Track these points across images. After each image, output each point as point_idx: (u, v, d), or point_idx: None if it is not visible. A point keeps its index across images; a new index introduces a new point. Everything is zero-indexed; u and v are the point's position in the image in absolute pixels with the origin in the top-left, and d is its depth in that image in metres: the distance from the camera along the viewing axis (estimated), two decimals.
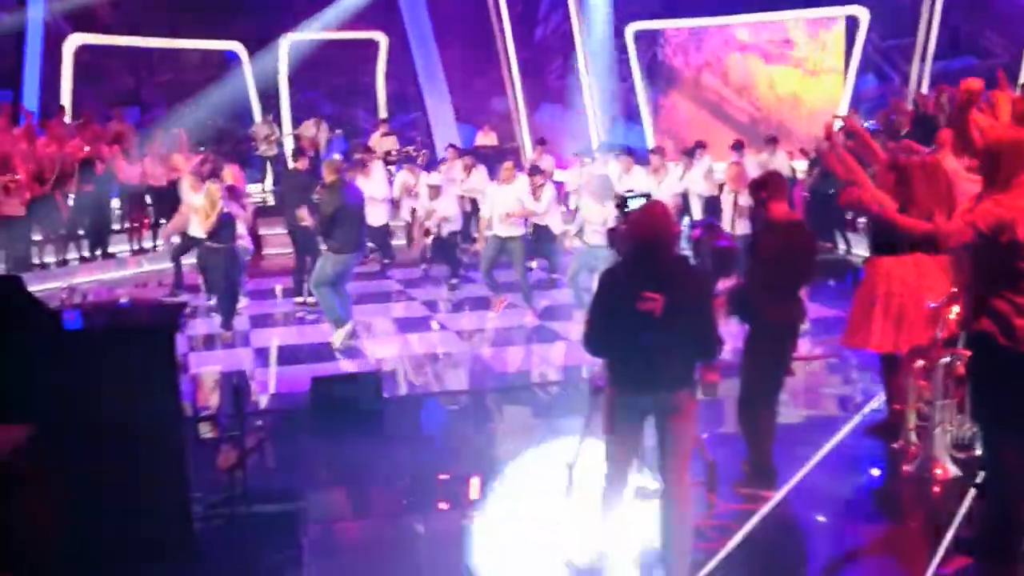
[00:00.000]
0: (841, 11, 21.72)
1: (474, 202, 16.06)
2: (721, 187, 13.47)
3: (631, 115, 24.51)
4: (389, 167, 18.43)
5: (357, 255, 11.32)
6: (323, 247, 11.27)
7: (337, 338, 11.07)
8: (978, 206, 5.06)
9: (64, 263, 15.88)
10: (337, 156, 12.55)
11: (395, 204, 16.23)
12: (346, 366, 10.37)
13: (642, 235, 5.20)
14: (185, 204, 13.33)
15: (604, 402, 5.45)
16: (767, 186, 6.61)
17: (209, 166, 14.57)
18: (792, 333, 6.58)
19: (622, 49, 24.26)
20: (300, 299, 13.24)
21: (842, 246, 16.12)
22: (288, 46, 23.02)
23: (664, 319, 5.03)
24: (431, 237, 14.43)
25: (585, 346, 5.38)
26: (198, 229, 12.00)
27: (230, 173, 13.31)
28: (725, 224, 12.21)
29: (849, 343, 7.52)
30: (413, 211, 15.70)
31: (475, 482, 7.37)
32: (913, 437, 6.85)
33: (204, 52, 22.64)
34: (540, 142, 18.69)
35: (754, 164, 16.13)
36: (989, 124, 6.76)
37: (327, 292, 10.99)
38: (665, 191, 13.53)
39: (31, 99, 19.45)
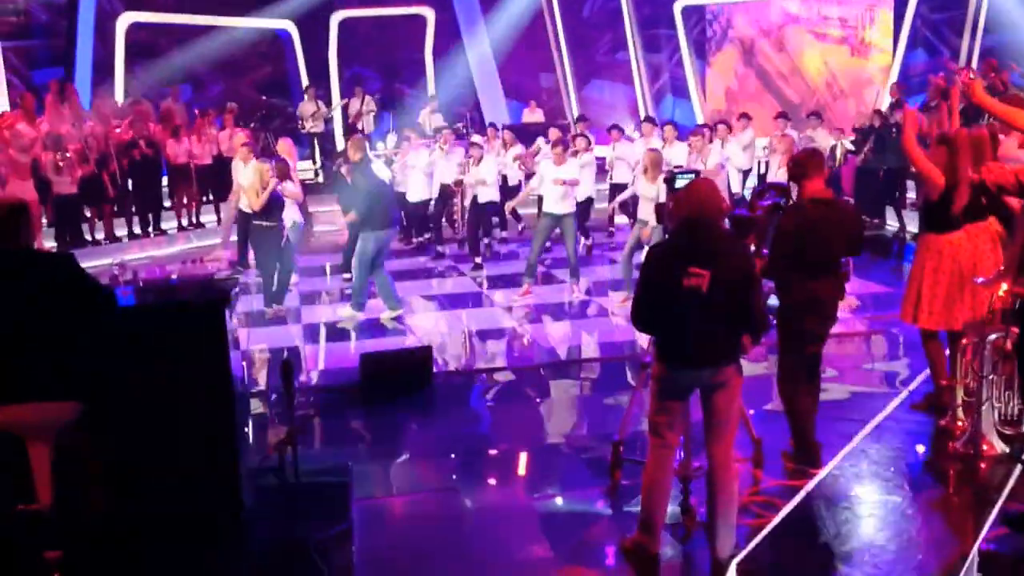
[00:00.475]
0: None
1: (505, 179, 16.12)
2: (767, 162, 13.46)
3: (679, 91, 24.40)
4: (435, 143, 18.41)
5: (393, 230, 11.54)
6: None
7: (343, 316, 11.36)
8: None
9: (115, 240, 16.12)
10: (358, 139, 12.54)
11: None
12: (395, 342, 10.46)
13: (688, 212, 5.24)
14: (236, 180, 13.43)
15: (651, 377, 5.49)
16: (802, 164, 6.61)
17: (258, 144, 14.71)
18: (816, 310, 6.57)
19: (671, 25, 24.13)
20: (349, 275, 13.34)
21: (894, 223, 15.97)
22: (337, 23, 23.10)
23: (710, 295, 5.07)
24: (466, 199, 14.48)
25: (633, 321, 5.43)
26: (247, 206, 12.12)
27: (284, 146, 13.45)
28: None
29: (904, 319, 7.49)
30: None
31: (523, 458, 7.45)
32: (960, 413, 6.83)
33: (255, 30, 22.74)
34: (581, 119, 18.62)
35: (795, 139, 16.08)
36: None
37: (365, 273, 11.19)
38: (709, 166, 13.45)
39: (83, 78, 19.62)
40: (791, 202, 6.75)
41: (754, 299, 5.21)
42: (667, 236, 5.70)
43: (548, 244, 13.00)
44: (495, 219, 15.75)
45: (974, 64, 19.32)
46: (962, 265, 6.99)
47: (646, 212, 11.25)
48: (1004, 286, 6.19)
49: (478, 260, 14.25)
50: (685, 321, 5.17)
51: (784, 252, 6.44)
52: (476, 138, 16.11)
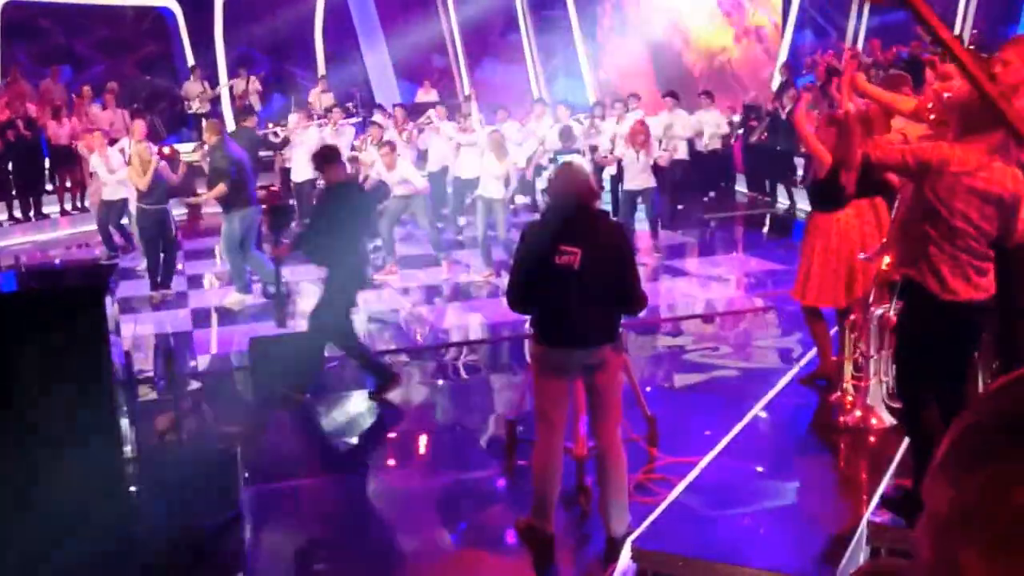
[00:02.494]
0: None
1: None
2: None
3: (571, 72, 24.43)
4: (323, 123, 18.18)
5: (256, 208, 11.41)
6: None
7: (231, 300, 11.16)
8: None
9: None
10: (214, 121, 12.32)
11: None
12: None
13: (559, 191, 5.30)
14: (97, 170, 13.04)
15: (530, 357, 5.48)
16: None
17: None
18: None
19: (563, 6, 24.13)
20: None
21: (785, 200, 16.23)
22: (222, 2, 22.60)
23: (582, 273, 5.07)
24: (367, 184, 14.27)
25: (508, 301, 5.42)
26: (120, 191, 11.86)
27: (138, 128, 12.96)
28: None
29: (795, 296, 7.57)
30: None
31: (418, 440, 7.37)
32: (850, 388, 6.92)
33: (137, 8, 22.16)
34: (468, 98, 18.49)
35: (686, 119, 16.23)
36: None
37: (236, 254, 11.08)
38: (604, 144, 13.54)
39: None
40: None
41: (628, 277, 5.21)
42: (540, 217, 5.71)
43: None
44: None
45: (860, 44, 19.70)
46: (850, 243, 7.09)
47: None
48: (887, 259, 6.27)
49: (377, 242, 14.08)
50: (558, 300, 5.17)
51: None
52: (377, 117, 15.81)
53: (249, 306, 11.04)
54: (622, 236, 5.31)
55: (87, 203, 16.47)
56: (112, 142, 13.46)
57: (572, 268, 5.07)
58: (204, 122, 11.61)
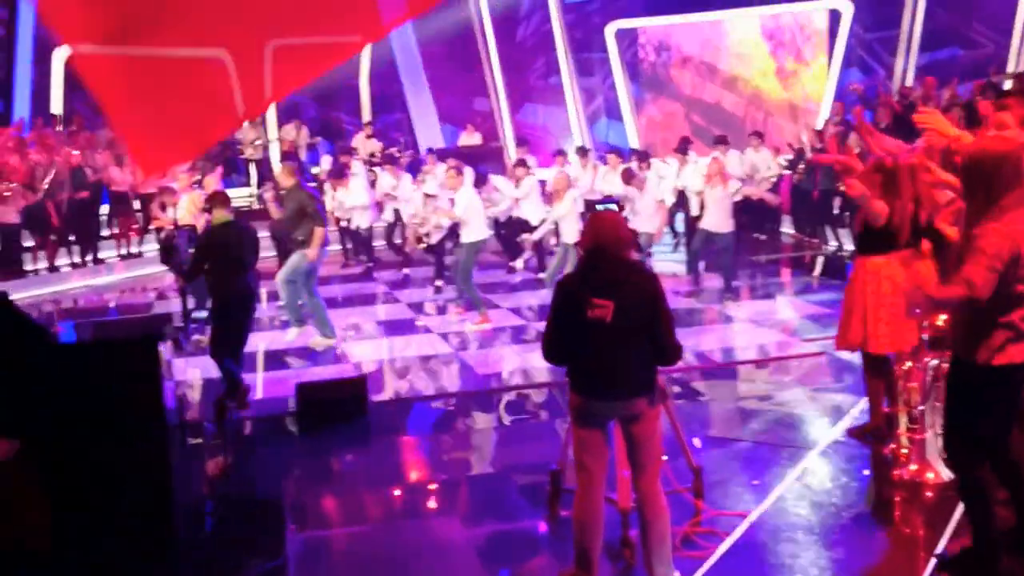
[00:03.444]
0: (823, 4, 21.63)
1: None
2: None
3: (613, 113, 24.47)
4: (373, 169, 18.38)
5: (324, 250, 11.48)
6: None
7: (314, 343, 11.22)
8: (969, 261, 4.84)
9: (55, 269, 15.93)
10: (290, 164, 12.42)
11: (378, 206, 16.17)
12: (332, 370, 10.29)
13: (591, 242, 5.22)
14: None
15: (568, 409, 5.42)
16: None
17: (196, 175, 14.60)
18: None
19: (603, 48, 24.20)
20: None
21: (833, 243, 16.07)
22: (272, 51, 22.78)
23: (615, 326, 5.02)
24: (423, 245, 14.31)
25: (544, 354, 5.37)
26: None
27: (212, 180, 13.34)
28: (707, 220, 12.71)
29: (840, 343, 7.43)
30: (396, 212, 15.70)
31: (461, 488, 7.30)
32: (904, 440, 6.78)
33: (191, 58, 22.39)
34: (521, 142, 18.64)
35: (738, 160, 16.17)
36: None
37: (293, 289, 11.20)
38: (653, 192, 13.42)
39: (22, 108, 19.41)
40: None
41: (662, 328, 5.14)
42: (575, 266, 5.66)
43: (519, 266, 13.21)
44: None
45: (909, 82, 19.51)
46: (898, 288, 6.96)
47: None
48: (943, 316, 6.17)
49: (439, 283, 14.16)
50: (592, 352, 5.13)
51: None
52: (431, 184, 15.63)
53: (298, 348, 11.10)
54: (655, 287, 5.23)
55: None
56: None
57: (604, 321, 5.03)
58: (279, 166, 11.75)
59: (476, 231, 12.12)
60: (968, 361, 4.89)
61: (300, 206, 11.16)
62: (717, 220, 12.52)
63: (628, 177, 13.40)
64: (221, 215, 9.13)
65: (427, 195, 14.21)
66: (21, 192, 15.02)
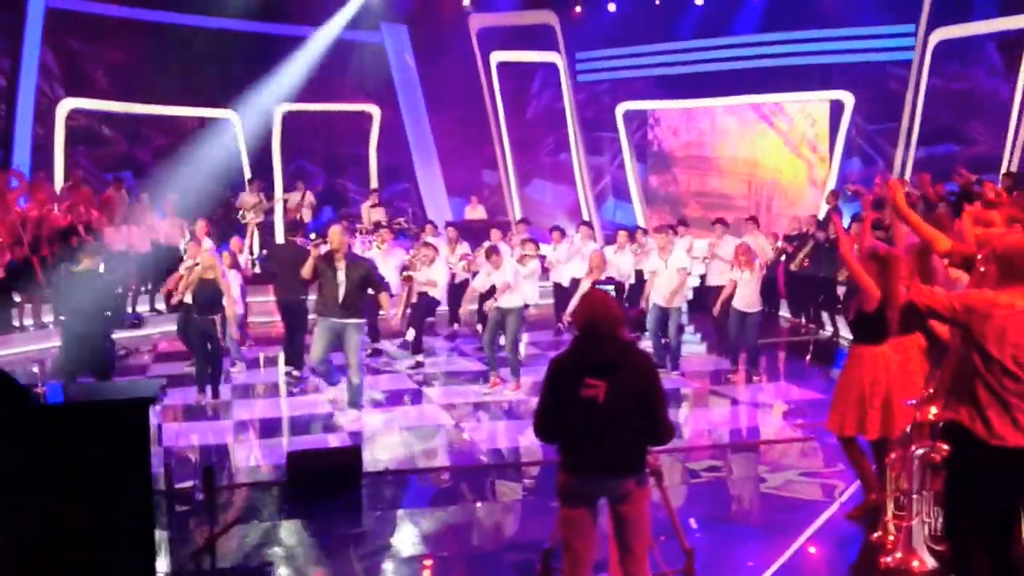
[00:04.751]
0: (826, 95, 21.95)
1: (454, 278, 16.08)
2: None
3: (620, 193, 24.69)
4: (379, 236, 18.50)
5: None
6: (340, 319, 10.87)
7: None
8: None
9: (43, 326, 15.84)
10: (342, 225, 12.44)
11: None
12: (328, 439, 10.30)
13: (582, 322, 5.27)
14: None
15: (556, 487, 5.42)
16: None
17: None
18: None
19: (613, 128, 24.50)
20: (288, 368, 13.25)
21: (829, 328, 16.16)
22: (281, 115, 23.16)
23: (607, 406, 5.06)
24: (413, 299, 14.34)
25: (535, 430, 5.40)
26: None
27: (236, 244, 13.57)
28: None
29: (833, 429, 7.51)
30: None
31: (451, 565, 7.29)
32: (891, 527, 6.81)
33: (197, 119, 22.71)
34: (523, 221, 18.61)
35: (731, 245, 16.26)
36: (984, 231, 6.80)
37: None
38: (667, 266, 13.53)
39: (22, 160, 19.41)
40: None
41: (655, 408, 5.19)
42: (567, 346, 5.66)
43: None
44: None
45: (907, 175, 19.76)
46: (890, 377, 7.09)
47: None
48: (934, 409, 6.25)
49: (419, 358, 14.12)
50: (584, 431, 5.15)
51: None
52: (430, 239, 15.93)
53: (294, 417, 11.12)
54: (650, 367, 5.28)
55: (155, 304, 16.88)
56: None
57: (597, 401, 5.07)
58: (333, 227, 11.34)
59: (523, 296, 12.44)
60: (980, 440, 4.93)
61: (367, 272, 10.95)
62: (748, 300, 12.68)
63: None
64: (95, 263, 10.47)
65: (426, 244, 14.31)
66: (7, 247, 14.82)
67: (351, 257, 11.07)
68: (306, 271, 11.07)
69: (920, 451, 6.36)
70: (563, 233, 16.67)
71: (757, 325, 12.89)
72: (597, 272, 12.76)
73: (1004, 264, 5.04)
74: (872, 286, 7.11)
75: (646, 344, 13.49)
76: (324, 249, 11.03)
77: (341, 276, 10.80)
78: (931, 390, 6.50)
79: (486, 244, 14.54)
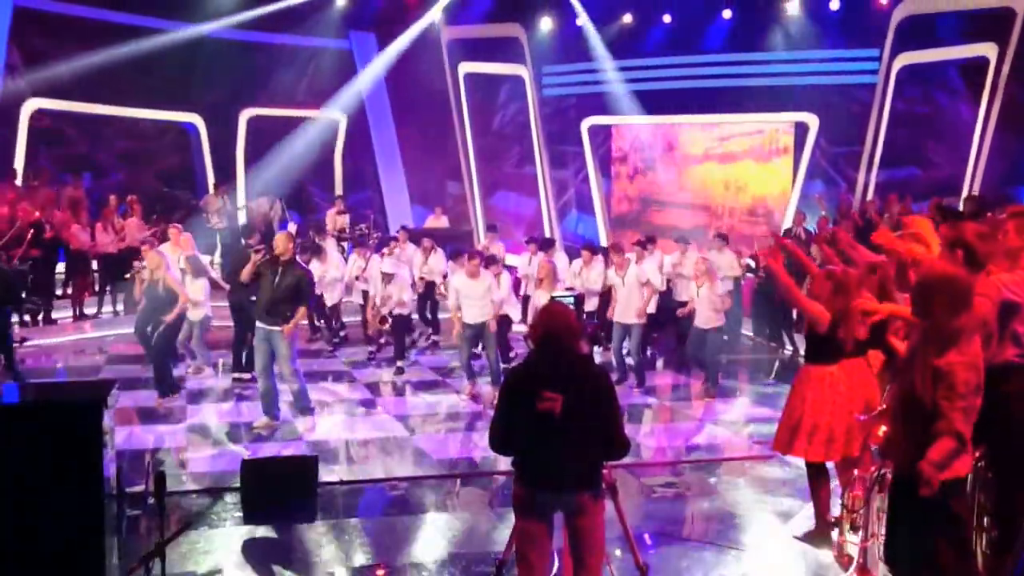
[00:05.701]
0: (790, 117, 22.11)
1: (430, 284, 16.06)
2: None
3: (584, 206, 24.74)
4: (342, 244, 18.50)
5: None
6: (267, 325, 10.80)
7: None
8: (948, 408, 4.93)
9: None
10: (292, 227, 12.42)
11: (347, 286, 16.15)
12: (282, 447, 10.22)
13: (539, 335, 5.25)
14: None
15: (512, 499, 5.39)
16: None
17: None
18: None
19: (577, 142, 24.55)
20: (237, 374, 13.14)
21: (789, 347, 16.23)
22: (246, 120, 23.05)
23: (564, 420, 5.05)
24: (386, 325, 14.32)
25: (490, 442, 5.38)
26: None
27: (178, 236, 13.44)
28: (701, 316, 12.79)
29: (779, 449, 7.51)
30: (365, 293, 15.64)
31: (409, 574, 7.24)
32: (847, 548, 6.82)
33: (161, 122, 22.57)
34: (491, 228, 18.80)
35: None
36: (922, 253, 6.86)
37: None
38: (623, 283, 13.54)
39: None
40: None
41: (611, 422, 5.18)
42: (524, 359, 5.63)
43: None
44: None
45: (869, 196, 19.97)
46: (839, 397, 7.09)
47: None
48: (884, 428, 6.26)
49: (401, 364, 14.21)
50: (539, 444, 5.14)
51: None
52: (388, 263, 15.64)
53: (248, 422, 11.04)
54: (606, 381, 5.27)
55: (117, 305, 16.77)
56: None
57: (553, 414, 5.05)
58: (280, 235, 11.20)
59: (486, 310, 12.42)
60: (912, 475, 4.92)
61: (299, 282, 10.74)
62: (706, 316, 12.68)
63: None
64: None
65: (384, 273, 14.18)
66: None
67: (293, 264, 10.90)
68: (244, 274, 11.26)
69: (875, 472, 6.38)
70: (539, 246, 16.67)
71: (714, 342, 12.91)
72: (548, 282, 12.63)
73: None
74: (818, 310, 7.12)
75: (604, 359, 13.52)
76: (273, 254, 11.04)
77: (277, 282, 10.76)
78: (884, 406, 6.51)
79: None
